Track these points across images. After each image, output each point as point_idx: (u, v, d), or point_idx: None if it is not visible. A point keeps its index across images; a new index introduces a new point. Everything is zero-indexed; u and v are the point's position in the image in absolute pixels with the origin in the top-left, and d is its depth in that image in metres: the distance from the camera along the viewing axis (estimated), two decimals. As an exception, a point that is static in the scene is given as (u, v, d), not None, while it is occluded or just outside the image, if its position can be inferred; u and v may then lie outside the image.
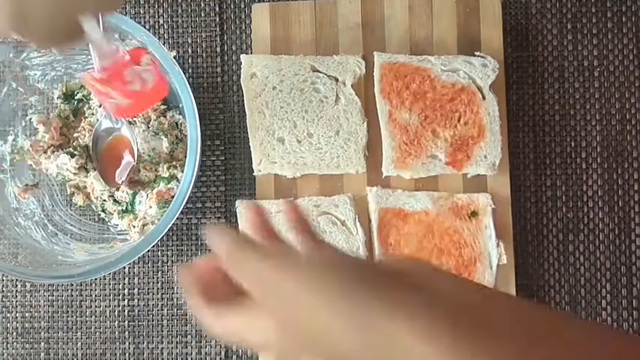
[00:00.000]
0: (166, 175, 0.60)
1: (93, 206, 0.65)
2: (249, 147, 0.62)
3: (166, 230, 0.54)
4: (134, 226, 0.61)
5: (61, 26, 0.43)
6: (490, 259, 0.60)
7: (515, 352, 0.27)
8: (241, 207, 0.61)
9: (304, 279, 0.31)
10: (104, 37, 0.50)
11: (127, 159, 0.62)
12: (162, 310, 0.65)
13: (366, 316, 0.29)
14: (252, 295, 0.33)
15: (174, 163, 0.61)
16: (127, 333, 0.65)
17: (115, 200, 0.63)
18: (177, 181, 0.61)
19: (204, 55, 0.66)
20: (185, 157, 0.55)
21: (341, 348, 0.30)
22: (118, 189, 0.62)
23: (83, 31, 0.44)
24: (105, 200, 0.63)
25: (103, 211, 0.64)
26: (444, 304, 0.29)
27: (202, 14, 0.66)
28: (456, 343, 0.27)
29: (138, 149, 0.61)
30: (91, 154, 0.62)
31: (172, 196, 0.59)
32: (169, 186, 0.60)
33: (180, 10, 0.66)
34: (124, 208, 0.62)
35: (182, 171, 0.58)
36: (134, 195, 0.62)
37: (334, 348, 0.30)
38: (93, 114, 0.63)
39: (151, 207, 0.60)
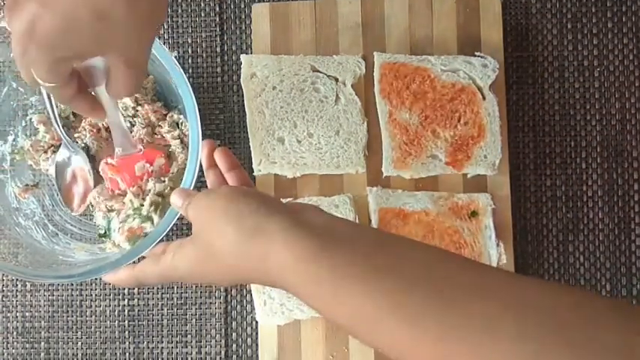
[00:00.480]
0: (145, 212, 0.58)
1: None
2: (249, 147, 0.62)
3: (167, 230, 0.54)
4: (111, 248, 0.60)
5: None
6: (490, 259, 0.60)
7: (364, 252, 0.34)
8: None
9: (215, 199, 0.40)
10: (126, 127, 0.54)
11: (85, 185, 0.61)
12: (162, 309, 0.65)
13: (253, 220, 0.37)
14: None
15: (159, 199, 0.59)
16: (127, 333, 0.65)
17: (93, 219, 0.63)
18: (153, 223, 0.58)
19: (204, 55, 0.66)
20: (185, 159, 0.55)
21: (230, 248, 0.37)
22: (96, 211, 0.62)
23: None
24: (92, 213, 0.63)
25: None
26: (312, 224, 0.36)
27: (202, 14, 0.66)
28: (314, 245, 0.34)
29: (93, 173, 0.61)
30: (56, 185, 0.62)
31: (145, 234, 0.58)
32: (143, 225, 0.58)
33: (180, 10, 0.66)
34: (102, 232, 0.62)
35: (162, 215, 0.57)
36: (109, 222, 0.61)
37: (229, 256, 0.37)
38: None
39: (121, 243, 0.59)
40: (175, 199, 0.45)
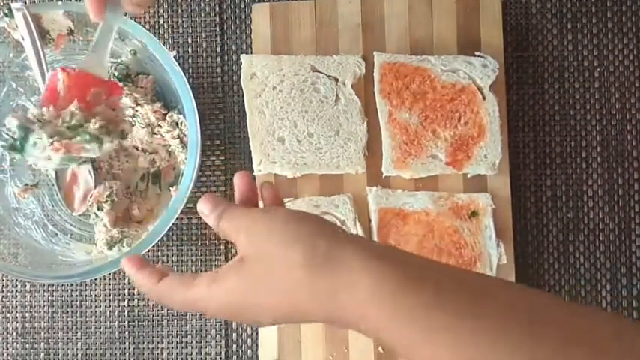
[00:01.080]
0: (91, 131, 0.49)
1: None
2: (249, 147, 0.62)
3: (166, 230, 0.54)
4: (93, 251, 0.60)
5: None
6: (490, 259, 0.60)
7: (449, 291, 0.32)
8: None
9: (274, 221, 0.35)
10: (109, 48, 0.50)
11: (85, 185, 0.61)
12: (162, 310, 0.65)
13: (326, 246, 0.33)
14: (236, 244, 0.37)
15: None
16: (127, 333, 0.65)
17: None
18: (102, 146, 0.51)
19: (204, 55, 0.66)
20: (185, 158, 0.54)
21: (295, 275, 0.33)
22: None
23: None
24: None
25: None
26: (388, 254, 0.33)
27: (202, 14, 0.66)
28: (399, 283, 0.31)
29: (95, 172, 0.61)
30: (55, 185, 0.62)
31: (80, 158, 0.52)
32: (86, 147, 0.49)
33: (180, 10, 0.66)
34: (11, 143, 0.53)
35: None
36: (26, 133, 0.50)
37: (290, 286, 0.33)
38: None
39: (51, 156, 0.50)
40: (202, 207, 0.40)
